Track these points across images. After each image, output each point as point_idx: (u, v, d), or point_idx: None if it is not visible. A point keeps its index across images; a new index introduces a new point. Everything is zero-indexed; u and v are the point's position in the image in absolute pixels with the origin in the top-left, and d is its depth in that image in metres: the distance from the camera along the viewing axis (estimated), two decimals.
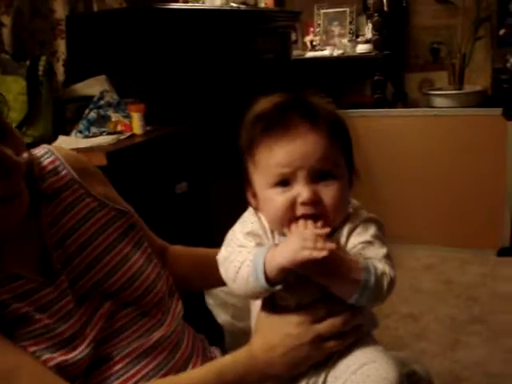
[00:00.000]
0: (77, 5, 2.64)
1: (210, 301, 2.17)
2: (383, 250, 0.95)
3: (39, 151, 1.11)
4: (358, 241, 0.95)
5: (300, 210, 0.92)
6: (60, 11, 2.51)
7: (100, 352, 0.98)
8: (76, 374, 0.92)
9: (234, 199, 2.87)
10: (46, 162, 1.10)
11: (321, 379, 0.96)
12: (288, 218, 0.93)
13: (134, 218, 1.17)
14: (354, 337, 0.97)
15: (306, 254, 0.85)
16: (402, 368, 1.01)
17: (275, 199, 0.93)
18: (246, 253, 0.94)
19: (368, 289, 0.90)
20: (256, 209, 1.00)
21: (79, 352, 0.93)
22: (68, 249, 1.03)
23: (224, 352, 1.26)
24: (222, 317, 2.19)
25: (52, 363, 0.90)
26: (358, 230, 0.96)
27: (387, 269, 0.92)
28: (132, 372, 1.00)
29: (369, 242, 0.95)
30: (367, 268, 0.90)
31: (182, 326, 1.14)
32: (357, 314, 0.96)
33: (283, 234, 0.96)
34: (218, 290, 1.54)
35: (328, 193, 0.92)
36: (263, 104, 0.97)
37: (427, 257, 3.49)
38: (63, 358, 0.91)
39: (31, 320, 0.90)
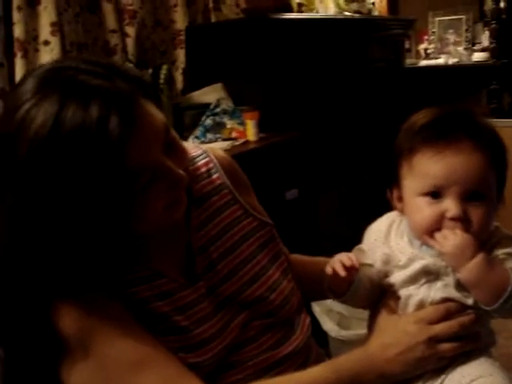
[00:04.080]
0: (196, 16, 2.76)
1: (316, 308, 2.19)
2: None
3: (195, 151, 1.10)
4: (500, 252, 0.96)
5: (447, 225, 0.94)
6: (180, 22, 2.64)
7: (228, 359, 0.99)
8: (202, 376, 0.93)
9: (343, 208, 2.89)
10: (200, 164, 1.09)
11: None
12: (432, 229, 0.95)
13: (274, 230, 1.16)
14: (470, 345, 0.96)
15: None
16: None
17: (423, 209, 0.95)
18: None
19: None
20: (401, 211, 1.02)
21: (210, 356, 0.95)
22: (211, 255, 1.03)
23: (330, 359, 1.27)
24: (327, 324, 2.20)
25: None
26: (500, 244, 0.97)
27: None
28: None
29: (510, 254, 0.96)
30: None
31: (310, 343, 1.12)
32: (475, 321, 0.96)
33: (423, 242, 0.98)
34: None
35: (476, 213, 0.93)
36: (428, 114, 0.99)
37: None
38: (194, 359, 0.93)
39: (169, 320, 0.93)
